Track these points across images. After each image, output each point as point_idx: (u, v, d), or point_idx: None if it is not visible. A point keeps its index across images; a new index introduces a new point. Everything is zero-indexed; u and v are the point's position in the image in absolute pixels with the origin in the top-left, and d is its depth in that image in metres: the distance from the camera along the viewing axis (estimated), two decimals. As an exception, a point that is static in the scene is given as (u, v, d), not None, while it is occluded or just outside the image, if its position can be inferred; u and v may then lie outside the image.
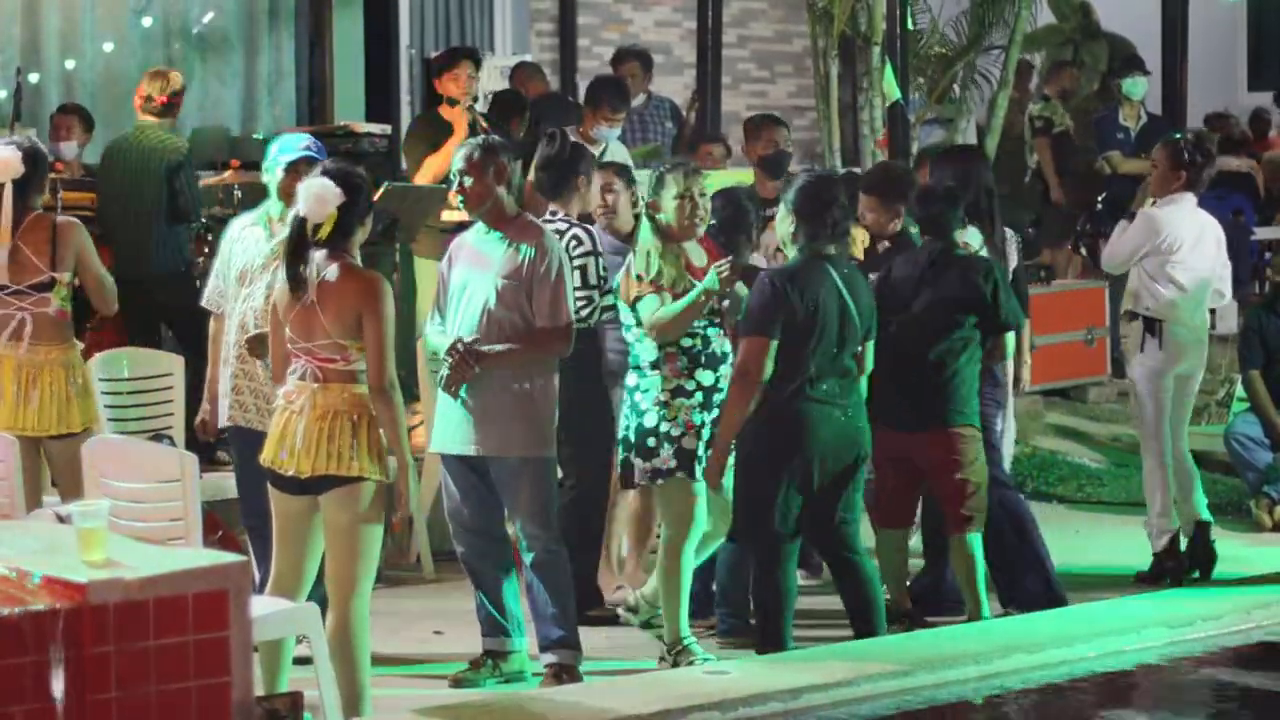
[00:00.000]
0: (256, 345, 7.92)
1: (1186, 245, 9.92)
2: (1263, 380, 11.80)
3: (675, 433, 8.31)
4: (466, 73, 11.70)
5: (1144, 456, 10.04)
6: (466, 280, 8.12)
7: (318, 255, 7.20)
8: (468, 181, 8.10)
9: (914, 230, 9.27)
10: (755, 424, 8.22)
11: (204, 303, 8.58)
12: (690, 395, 8.34)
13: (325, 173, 7.29)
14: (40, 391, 8.55)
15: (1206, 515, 10.09)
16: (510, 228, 8.12)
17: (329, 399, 7.16)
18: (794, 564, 8.39)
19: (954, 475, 8.78)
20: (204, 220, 11.80)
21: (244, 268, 8.31)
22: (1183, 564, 9.95)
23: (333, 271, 7.18)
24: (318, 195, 7.18)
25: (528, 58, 15.86)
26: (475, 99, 11.93)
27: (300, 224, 7.19)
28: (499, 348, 7.99)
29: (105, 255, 9.41)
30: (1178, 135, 10.52)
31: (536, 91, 13.54)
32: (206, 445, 9.04)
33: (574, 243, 8.86)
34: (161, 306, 11.14)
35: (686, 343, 8.33)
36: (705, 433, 8.31)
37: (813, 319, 8.21)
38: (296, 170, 8.16)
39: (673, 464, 8.30)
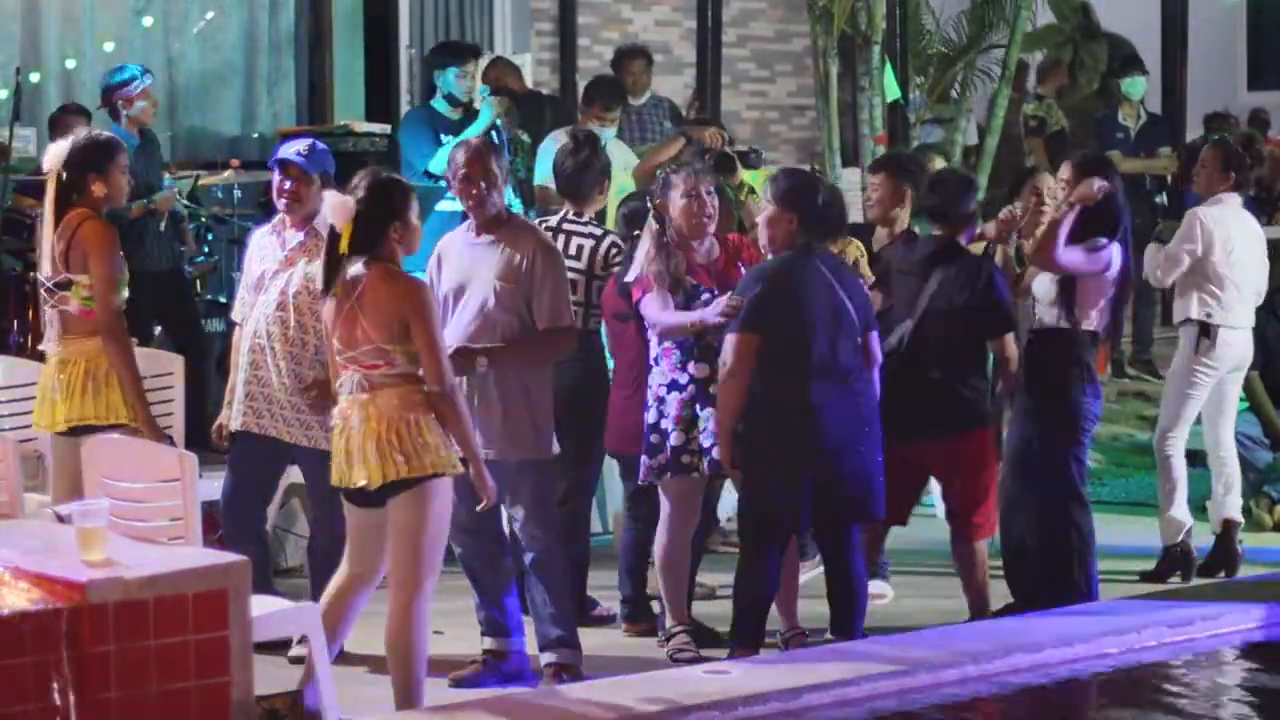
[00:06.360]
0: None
1: (1239, 246, 9.98)
2: (1262, 381, 11.82)
3: (668, 428, 8.38)
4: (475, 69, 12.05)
5: (1163, 452, 10.05)
6: (460, 283, 8.05)
7: (357, 263, 7.21)
8: (480, 182, 8.01)
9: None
10: (760, 417, 8.21)
11: (233, 315, 8.71)
12: (684, 389, 8.39)
13: (358, 180, 7.30)
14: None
15: (1238, 515, 10.17)
16: (504, 229, 8.07)
17: (379, 406, 7.14)
18: (777, 560, 8.34)
19: (967, 482, 8.76)
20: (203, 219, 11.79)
21: (259, 274, 8.42)
22: (1190, 563, 10.00)
23: (371, 277, 7.18)
24: (334, 206, 7.23)
25: (528, 56, 15.85)
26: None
27: (332, 235, 7.23)
28: (501, 345, 7.97)
29: None
30: (1226, 136, 10.58)
31: (516, 88, 13.53)
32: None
33: (614, 250, 8.87)
34: None
35: (680, 336, 8.40)
36: (703, 425, 8.36)
37: (802, 313, 8.20)
38: (286, 170, 8.27)
39: (665, 460, 8.42)
